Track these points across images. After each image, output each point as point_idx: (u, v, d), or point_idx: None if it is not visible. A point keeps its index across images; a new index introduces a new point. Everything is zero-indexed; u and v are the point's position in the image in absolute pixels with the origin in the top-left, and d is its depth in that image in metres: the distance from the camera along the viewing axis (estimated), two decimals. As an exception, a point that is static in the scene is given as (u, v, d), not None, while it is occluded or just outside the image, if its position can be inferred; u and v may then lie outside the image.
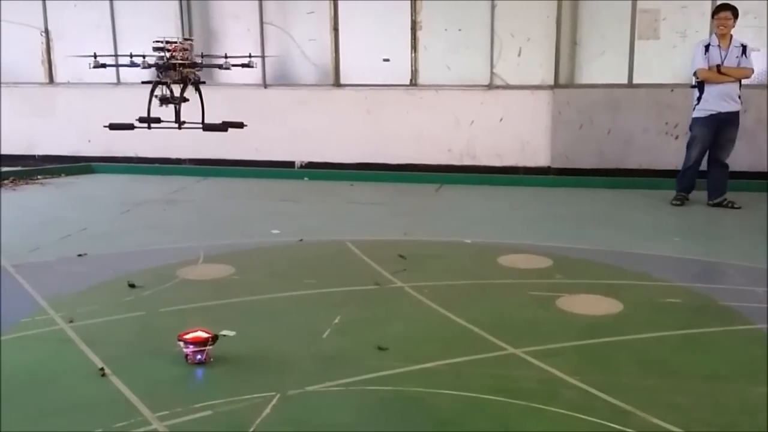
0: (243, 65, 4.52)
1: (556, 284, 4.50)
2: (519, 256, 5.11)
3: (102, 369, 3.26)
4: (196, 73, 4.32)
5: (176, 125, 4.33)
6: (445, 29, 8.27)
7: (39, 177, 8.43)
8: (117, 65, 4.58)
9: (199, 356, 3.35)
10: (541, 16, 7.96)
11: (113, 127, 4.56)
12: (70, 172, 8.71)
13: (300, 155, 8.78)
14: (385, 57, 8.40)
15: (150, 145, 8.94)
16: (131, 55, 4.31)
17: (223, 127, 4.48)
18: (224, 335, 3.62)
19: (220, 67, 4.44)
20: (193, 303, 4.16)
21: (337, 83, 8.60)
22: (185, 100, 4.31)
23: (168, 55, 4.18)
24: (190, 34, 8.77)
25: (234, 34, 8.83)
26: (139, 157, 9.07)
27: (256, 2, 8.57)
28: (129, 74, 8.72)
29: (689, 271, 4.92)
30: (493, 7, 8.04)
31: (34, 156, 9.34)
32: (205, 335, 3.37)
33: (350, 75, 8.57)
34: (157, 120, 4.38)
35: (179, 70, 4.21)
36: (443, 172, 8.32)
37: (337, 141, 8.60)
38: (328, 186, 7.98)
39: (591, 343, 3.61)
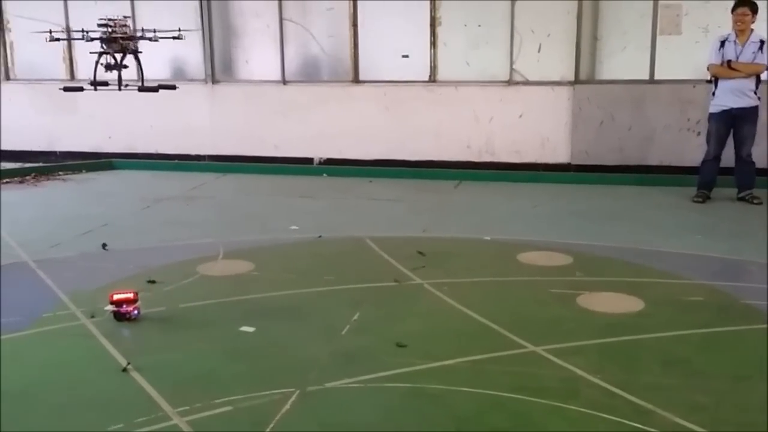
0: (173, 38, 5.35)
1: (577, 282, 4.47)
2: (539, 253, 5.08)
3: (128, 364, 3.27)
4: (135, 44, 5.11)
5: (118, 87, 5.22)
6: (465, 25, 8.23)
7: (60, 173, 8.51)
8: (75, 39, 5.34)
9: (135, 312, 3.79)
10: (561, 11, 7.89)
11: (67, 89, 5.35)
12: (90, 168, 8.78)
13: (319, 152, 8.78)
14: (405, 53, 8.39)
15: (170, 141, 9.01)
16: (83, 30, 5.02)
17: (156, 88, 5.16)
18: (244, 331, 3.66)
19: (150, 39, 5.11)
20: (213, 299, 4.18)
21: (356, 79, 8.59)
22: (125, 66, 5.09)
23: (110, 30, 4.76)
24: (210, 30, 8.81)
25: (254, 31, 8.86)
26: (159, 154, 9.12)
27: (276, -1, 8.58)
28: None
29: (711, 269, 4.87)
30: (513, 3, 7.98)
31: (55, 152, 9.43)
32: (129, 294, 3.83)
33: (369, 71, 8.56)
34: (104, 83, 5.19)
35: (119, 42, 4.92)
36: (462, 168, 8.28)
37: (355, 137, 8.59)
38: (347, 182, 7.98)
39: (612, 341, 3.58)
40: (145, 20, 8.72)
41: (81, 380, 3.21)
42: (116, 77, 5.41)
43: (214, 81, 8.94)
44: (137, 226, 6.10)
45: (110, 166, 8.97)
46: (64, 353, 3.52)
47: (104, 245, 5.25)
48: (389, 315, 3.96)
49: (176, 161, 8.96)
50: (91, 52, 5.13)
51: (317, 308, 4.08)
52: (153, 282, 4.43)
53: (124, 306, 3.79)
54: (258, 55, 8.91)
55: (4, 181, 8.03)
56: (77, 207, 6.89)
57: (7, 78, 9.58)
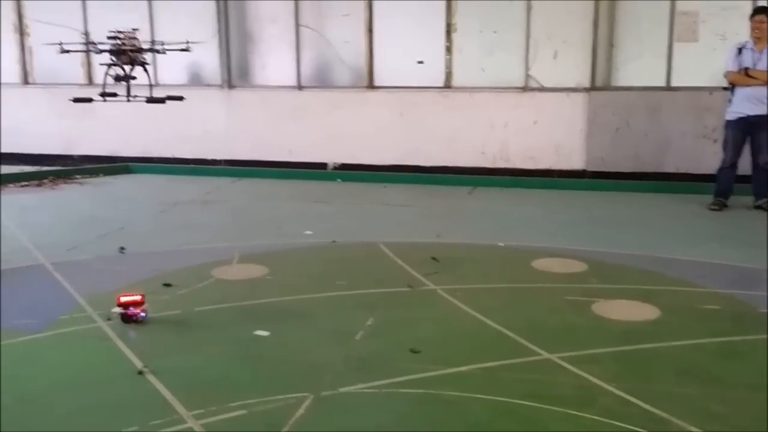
0: (181, 50, 5.40)
1: (592, 289, 4.45)
2: (553, 260, 5.06)
3: (144, 366, 3.29)
4: (143, 56, 5.25)
5: (126, 98, 5.32)
6: (480, 31, 8.24)
7: (78, 177, 8.60)
8: (84, 51, 5.51)
9: (143, 314, 3.83)
10: (577, 17, 7.89)
11: (76, 100, 5.45)
12: (108, 172, 8.87)
13: (333, 157, 8.81)
14: (420, 59, 8.41)
15: (186, 146, 9.07)
16: (93, 43, 5.30)
17: (163, 100, 5.26)
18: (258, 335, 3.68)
19: (158, 51, 5.20)
20: (227, 302, 4.20)
21: (370, 85, 8.62)
22: (133, 77, 5.19)
23: (119, 42, 5.08)
24: (227, 36, 8.87)
25: (270, 37, 8.92)
26: (175, 158, 9.19)
27: (292, 5, 8.63)
28: (167, 77, 8.90)
29: (727, 278, 4.83)
30: (528, 9, 7.99)
31: (72, 156, 9.52)
32: (136, 296, 3.86)
33: (384, 77, 8.59)
34: (113, 94, 5.33)
35: (128, 54, 5.07)
36: (476, 174, 8.29)
37: (370, 143, 8.62)
38: (361, 188, 8.00)
39: (628, 349, 3.56)
40: (163, 26, 8.86)
41: (97, 382, 3.23)
42: (125, 88, 5.54)
43: (231, 86, 9.00)
44: (153, 229, 6.14)
45: (127, 170, 9.05)
46: (80, 355, 3.54)
47: (122, 249, 5.30)
48: (403, 320, 3.96)
49: (192, 165, 9.03)
50: (100, 64, 5.28)
51: (331, 313, 4.09)
52: (168, 285, 4.46)
53: (131, 308, 3.84)
54: (274, 61, 8.96)
55: (22, 184, 8.13)
56: (94, 210, 6.95)
57: (26, 82, 9.69)
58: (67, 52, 5.29)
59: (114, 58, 5.21)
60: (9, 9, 9.53)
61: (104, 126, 9.28)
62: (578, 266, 4.93)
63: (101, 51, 5.35)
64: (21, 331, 3.73)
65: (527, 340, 3.62)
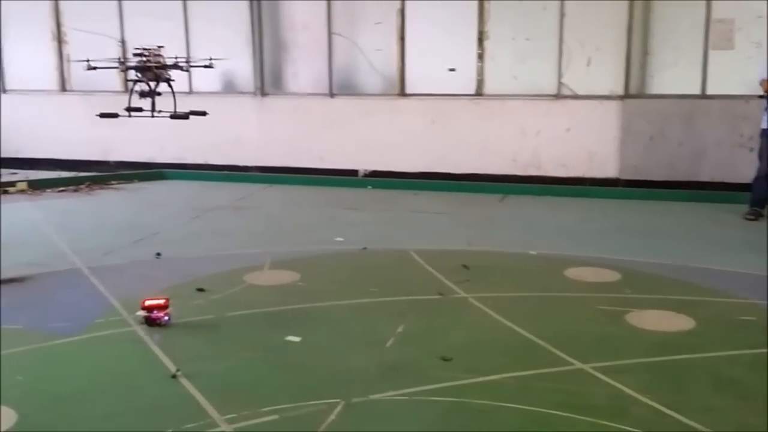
0: (205, 66, 5.45)
1: (626, 299, 4.41)
2: (586, 269, 5.02)
3: (178, 370, 3.34)
4: (168, 72, 5.28)
5: (151, 113, 5.34)
6: (513, 38, 8.21)
7: (113, 182, 8.74)
8: (111, 68, 5.68)
9: (166, 318, 3.89)
10: (611, 25, 7.82)
11: (103, 115, 5.55)
12: (143, 178, 8.99)
13: (364, 164, 8.83)
14: (451, 67, 8.40)
15: (219, 152, 9.16)
16: (119, 60, 5.16)
17: (186, 115, 5.32)
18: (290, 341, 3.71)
19: (182, 68, 5.40)
20: (260, 308, 4.24)
21: (402, 93, 8.63)
22: (158, 93, 5.25)
23: (144, 59, 5.13)
24: (261, 44, 8.96)
25: (303, 45, 8.97)
26: (208, 164, 9.29)
27: (325, 13, 8.69)
28: (200, 84, 9.02)
29: (763, 288, 4.73)
30: (561, 16, 7.95)
31: (109, 162, 9.67)
32: (158, 300, 3.94)
33: (416, 85, 8.59)
34: (139, 109, 5.32)
35: (153, 71, 5.15)
36: (508, 182, 8.24)
37: (401, 150, 8.62)
38: (392, 195, 8.01)
39: (662, 360, 3.53)
40: (198, 33, 8.98)
41: (131, 386, 3.28)
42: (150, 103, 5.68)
43: (263, 94, 9.08)
44: (187, 235, 6.21)
45: (161, 177, 9.16)
46: (114, 359, 3.60)
47: (158, 254, 5.37)
48: (433, 328, 3.96)
49: (225, 172, 9.12)
50: (127, 80, 5.42)
51: (362, 319, 4.10)
52: (202, 290, 4.51)
53: (155, 312, 3.91)
54: (306, 69, 9.02)
55: (60, 189, 8.30)
56: (129, 216, 7.06)
57: (63, 89, 9.88)
58: (94, 68, 5.41)
59: (139, 74, 5.34)
60: (47, 16, 9.72)
61: (139, 133, 9.36)
62: (611, 276, 4.88)
63: (127, 68, 5.48)
64: (57, 334, 3.81)
65: (560, 349, 3.59)
